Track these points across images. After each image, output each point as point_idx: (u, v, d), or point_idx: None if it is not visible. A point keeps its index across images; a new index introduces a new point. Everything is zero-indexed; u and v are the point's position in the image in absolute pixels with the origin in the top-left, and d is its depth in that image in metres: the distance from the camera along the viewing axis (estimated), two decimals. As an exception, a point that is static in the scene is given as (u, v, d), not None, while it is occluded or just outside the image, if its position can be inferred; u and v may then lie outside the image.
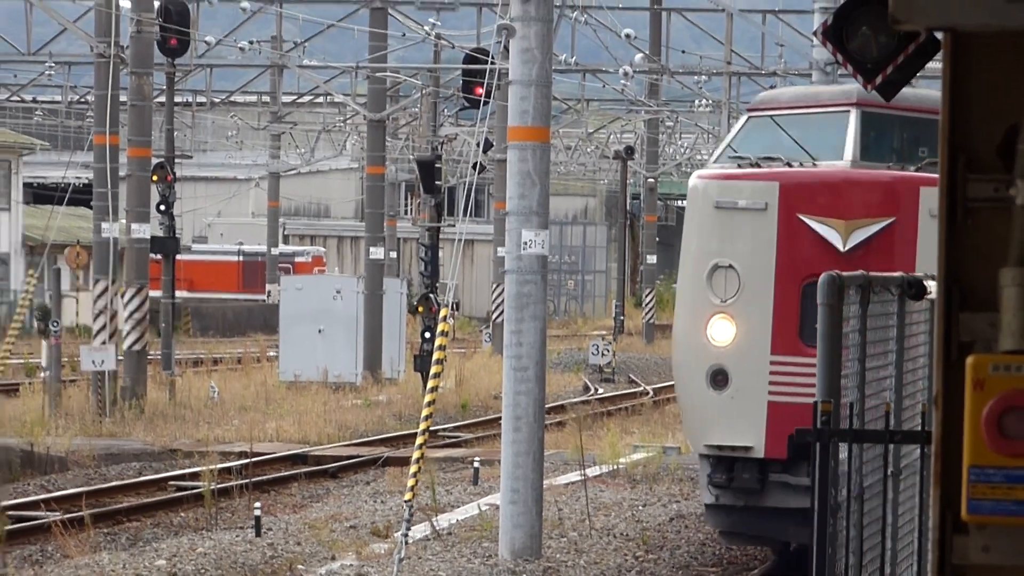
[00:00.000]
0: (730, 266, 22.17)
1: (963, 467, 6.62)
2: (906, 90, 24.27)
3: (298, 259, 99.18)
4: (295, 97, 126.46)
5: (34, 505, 43.02)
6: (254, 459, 49.59)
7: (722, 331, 22.40)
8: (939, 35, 7.05)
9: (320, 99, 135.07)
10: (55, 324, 57.92)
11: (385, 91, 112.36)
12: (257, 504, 39.54)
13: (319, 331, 68.37)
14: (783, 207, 22.24)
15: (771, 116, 23.70)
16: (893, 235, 21.36)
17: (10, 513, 40.08)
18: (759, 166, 22.28)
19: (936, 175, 16.81)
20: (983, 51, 6.99)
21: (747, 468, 22.42)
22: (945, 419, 6.73)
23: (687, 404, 22.53)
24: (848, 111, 23.21)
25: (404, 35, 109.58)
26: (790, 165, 21.95)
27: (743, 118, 23.08)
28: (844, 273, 19.19)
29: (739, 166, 22.43)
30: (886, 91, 11.67)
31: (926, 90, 24.25)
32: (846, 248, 21.84)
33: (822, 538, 16.02)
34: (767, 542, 23.79)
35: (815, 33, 17.38)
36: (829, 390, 16.75)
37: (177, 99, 70.61)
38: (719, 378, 22.52)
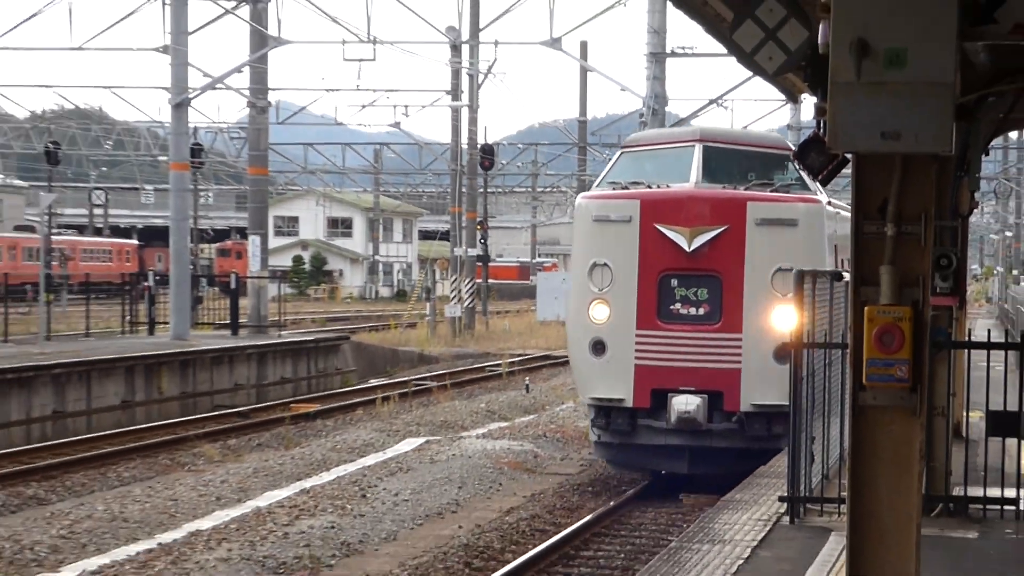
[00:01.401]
0: (605, 264, 17.61)
1: (863, 359, 6.27)
2: (740, 130, 24.99)
3: (544, 264, 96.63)
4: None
5: (424, 380, 42.31)
6: (524, 356, 51.02)
7: (600, 312, 17.63)
8: (849, 155, 6.43)
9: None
10: (432, 295, 63.47)
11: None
12: (527, 378, 41.20)
13: (555, 298, 63.64)
14: (643, 219, 17.57)
15: (638, 151, 19.36)
16: (726, 239, 17.11)
17: (413, 383, 40.82)
18: (628, 189, 18.09)
19: (760, 193, 18.98)
20: (870, 161, 6.44)
21: (620, 415, 17.66)
22: (855, 337, 6.52)
23: (576, 367, 18.61)
24: (693, 146, 18.54)
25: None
26: (650, 187, 17.82)
27: (618, 153, 19.99)
28: (805, 268, 15.02)
29: (613, 189, 18.26)
30: (823, 182, 9.10)
31: (754, 131, 23.06)
32: (691, 249, 17.25)
33: (797, 399, 13.13)
34: (640, 469, 19.37)
35: (793, 157, 12.39)
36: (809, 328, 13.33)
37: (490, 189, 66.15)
38: (598, 347, 17.97)
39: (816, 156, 8.23)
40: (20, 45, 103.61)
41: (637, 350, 18.48)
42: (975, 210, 19.95)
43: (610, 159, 25.26)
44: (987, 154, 19.48)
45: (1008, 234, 65.60)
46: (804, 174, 19.15)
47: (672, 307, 18.58)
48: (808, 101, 15.04)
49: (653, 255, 18.43)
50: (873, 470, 6.24)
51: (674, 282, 18.51)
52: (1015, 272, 62.27)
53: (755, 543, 12.40)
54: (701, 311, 18.48)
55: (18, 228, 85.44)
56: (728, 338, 18.32)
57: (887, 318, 6.21)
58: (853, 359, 6.45)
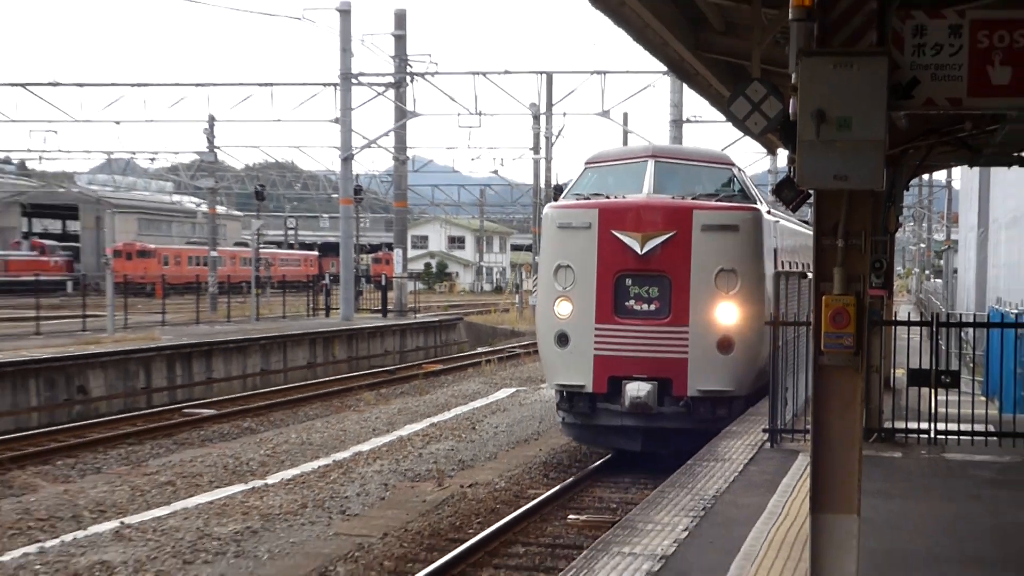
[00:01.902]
0: (568, 265, 15.49)
1: (822, 332, 6.05)
2: (689, 147, 19.70)
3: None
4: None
5: (514, 348, 38.81)
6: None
7: (564, 308, 15.49)
8: (811, 191, 6.24)
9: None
10: (519, 289, 61.00)
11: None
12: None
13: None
14: (601, 225, 15.43)
15: (600, 166, 16.84)
16: (674, 243, 15.00)
17: (507, 350, 38.23)
18: (589, 199, 15.84)
19: (705, 202, 15.86)
20: (826, 195, 6.21)
21: (582, 399, 15.50)
22: (815, 317, 6.23)
23: (544, 357, 16.26)
24: (646, 161, 16.31)
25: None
26: (608, 198, 15.60)
27: (583, 168, 17.38)
28: (778, 270, 15.68)
29: (577, 199, 15.91)
30: (794, 208, 9.19)
31: (702, 148, 18.77)
32: (643, 252, 15.18)
33: (776, 360, 12.76)
34: (601, 446, 16.75)
35: (771, 191, 12.47)
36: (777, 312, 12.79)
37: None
38: (562, 339, 15.78)
39: (789, 191, 8.12)
40: (239, 118, 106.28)
41: (596, 342, 15.79)
42: (899, 229, 19.41)
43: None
44: (907, 189, 19.28)
45: (922, 246, 65.91)
46: (747, 186, 16.91)
47: (627, 303, 15.80)
48: (782, 154, 14.29)
49: (610, 257, 15.81)
50: (828, 410, 6.11)
51: (628, 281, 15.80)
52: (927, 272, 62.56)
53: (746, 461, 12.30)
54: (652, 307, 15.72)
55: (236, 244, 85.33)
56: (676, 331, 15.54)
57: (838, 303, 6.05)
58: (814, 332, 6.25)
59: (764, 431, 13.68)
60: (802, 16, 5.87)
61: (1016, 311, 17.29)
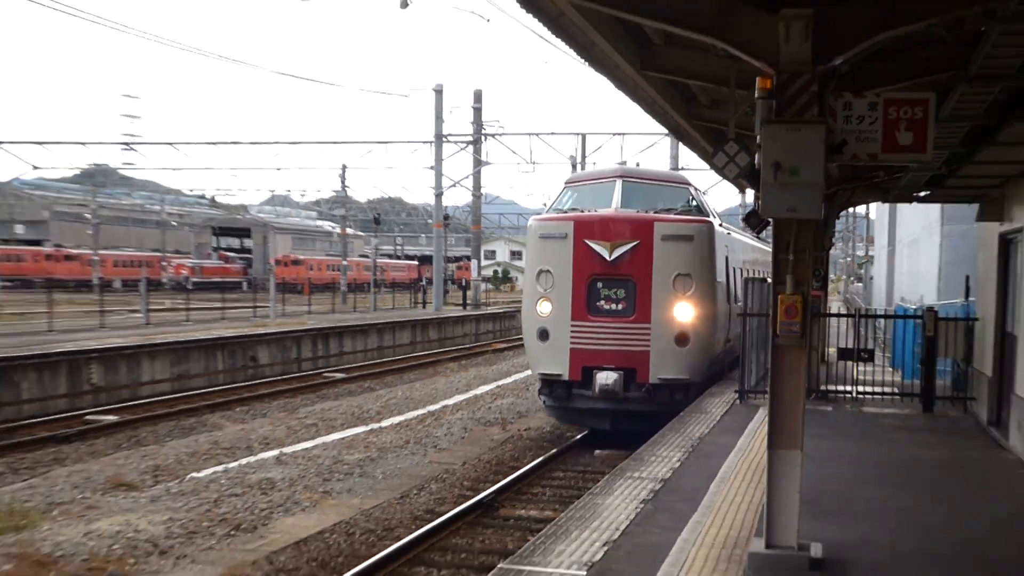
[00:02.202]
0: (548, 270, 13.90)
1: (777, 321, 5.87)
2: (652, 169, 16.61)
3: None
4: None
5: None
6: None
7: (545, 307, 13.85)
8: (771, 219, 6.14)
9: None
10: None
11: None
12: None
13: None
14: (576, 235, 13.80)
15: (577, 185, 15.12)
16: (638, 250, 13.52)
17: None
18: (566, 213, 14.11)
19: (665, 215, 13.87)
20: (781, 223, 6.06)
21: (560, 386, 13.73)
22: (773, 310, 6.04)
23: (528, 349, 14.29)
24: (615, 180, 14.74)
25: None
26: (582, 212, 13.89)
27: (563, 187, 15.49)
28: (755, 277, 14.82)
29: (557, 213, 14.21)
30: (758, 232, 8.74)
31: (662, 170, 17.38)
32: (611, 258, 13.64)
33: (744, 340, 12.84)
34: (577, 424, 14.56)
35: (742, 219, 10.59)
36: (746, 306, 12.70)
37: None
38: (544, 334, 14.05)
39: (755, 219, 8.02)
40: (363, 166, 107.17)
41: (572, 336, 13.80)
42: (832, 247, 19.51)
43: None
44: (838, 218, 19.02)
45: (848, 260, 65.66)
46: (702, 203, 14.98)
47: (598, 303, 13.85)
48: (750, 192, 14.18)
49: (584, 263, 13.83)
50: (781, 376, 6.01)
51: (599, 284, 13.87)
52: (851, 279, 62.26)
53: (722, 413, 12.25)
54: (620, 306, 13.79)
55: (360, 256, 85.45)
56: (640, 327, 13.66)
57: (790, 300, 5.91)
58: (772, 321, 6.11)
59: (735, 392, 13.66)
60: (764, 96, 5.79)
61: (914, 307, 16.97)
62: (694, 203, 14.97)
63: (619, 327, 13.82)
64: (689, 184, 15.49)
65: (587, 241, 13.91)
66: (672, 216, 14.19)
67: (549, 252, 14.18)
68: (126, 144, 45.21)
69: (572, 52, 7.74)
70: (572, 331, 13.89)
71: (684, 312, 13.76)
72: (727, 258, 15.57)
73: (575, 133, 45.29)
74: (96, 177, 72.11)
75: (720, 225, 15.58)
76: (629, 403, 13.79)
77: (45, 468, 12.98)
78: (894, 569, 6.13)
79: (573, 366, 13.86)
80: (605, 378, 13.58)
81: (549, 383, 14.22)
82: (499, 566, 6.13)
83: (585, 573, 5.96)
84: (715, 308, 14.24)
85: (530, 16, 6.89)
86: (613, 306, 13.87)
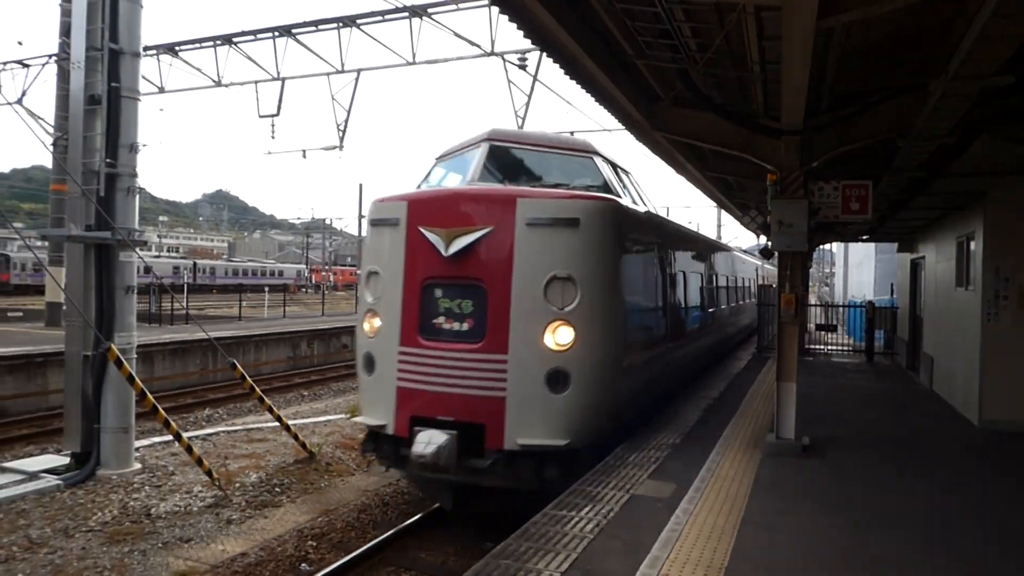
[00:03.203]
0: (377, 272, 7.09)
1: (781, 308, 6.62)
2: (540, 133, 8.18)
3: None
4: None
5: None
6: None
7: (373, 324, 7.09)
8: (777, 252, 6.96)
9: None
10: None
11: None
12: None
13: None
14: (410, 221, 6.71)
15: (446, 159, 7.82)
16: (491, 241, 6.45)
17: None
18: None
19: (533, 189, 7.19)
20: (784, 253, 6.71)
21: (386, 441, 6.97)
22: (778, 303, 6.75)
23: (359, 384, 7.37)
24: (479, 145, 7.57)
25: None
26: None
27: (433, 163, 7.99)
28: (766, 284, 16.42)
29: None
30: (768, 258, 8.34)
31: (557, 135, 7.94)
32: (448, 253, 6.56)
33: (762, 319, 13.93)
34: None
35: (759, 251, 9.05)
36: (760, 298, 14.11)
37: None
38: (369, 364, 6.93)
39: (767, 252, 8.34)
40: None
41: (399, 370, 7.05)
42: (811, 266, 22.19)
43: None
44: (814, 251, 21.80)
45: (820, 274, 67.08)
46: (611, 180, 8.13)
47: (435, 321, 7.04)
48: (763, 237, 13.05)
49: (418, 262, 7.13)
50: (783, 340, 7.03)
51: (438, 292, 7.08)
52: (822, 285, 64.05)
53: (745, 363, 14.02)
54: (464, 326, 6.92)
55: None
56: (491, 359, 6.74)
57: (788, 297, 6.93)
58: (779, 310, 7.01)
59: (755, 349, 15.60)
60: (772, 184, 7.14)
61: (860, 301, 21.16)
62: (600, 179, 8.22)
63: (461, 358, 7.11)
64: (596, 154, 8.53)
65: (421, 229, 7.35)
66: (546, 191, 7.42)
67: (379, 246, 7.67)
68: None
69: (664, 164, 10.16)
70: (400, 362, 7.31)
71: (561, 337, 6.97)
72: (663, 260, 8.95)
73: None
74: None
75: (648, 212, 8.72)
76: (480, 475, 6.99)
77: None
78: (851, 448, 7.69)
79: (400, 415, 7.28)
80: (425, 441, 6.88)
81: (373, 435, 7.56)
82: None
83: (667, 453, 7.10)
84: (615, 330, 7.27)
85: (640, 143, 9.16)
86: (456, 325, 7.19)
